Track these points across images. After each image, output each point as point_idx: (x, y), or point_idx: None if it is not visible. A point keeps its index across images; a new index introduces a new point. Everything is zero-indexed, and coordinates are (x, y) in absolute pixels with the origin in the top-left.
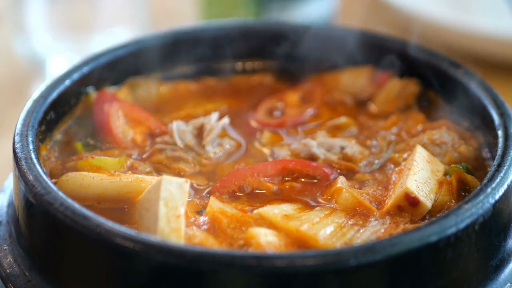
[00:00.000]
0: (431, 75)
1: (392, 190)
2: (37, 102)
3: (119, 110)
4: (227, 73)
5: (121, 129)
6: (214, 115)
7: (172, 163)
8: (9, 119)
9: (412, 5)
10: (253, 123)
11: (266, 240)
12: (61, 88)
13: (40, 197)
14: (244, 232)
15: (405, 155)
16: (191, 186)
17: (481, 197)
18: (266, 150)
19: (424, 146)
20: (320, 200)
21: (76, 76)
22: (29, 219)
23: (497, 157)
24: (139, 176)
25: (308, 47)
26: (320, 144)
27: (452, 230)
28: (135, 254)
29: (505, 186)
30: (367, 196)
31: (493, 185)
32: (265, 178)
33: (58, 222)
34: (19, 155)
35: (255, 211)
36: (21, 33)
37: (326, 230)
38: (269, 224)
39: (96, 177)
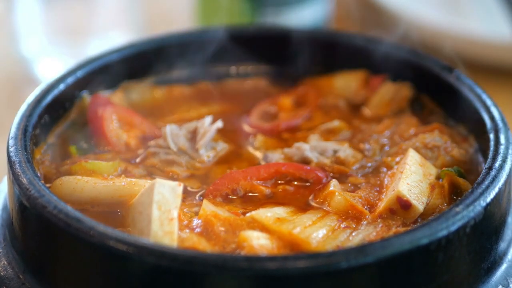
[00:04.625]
0: (424, 79)
1: (384, 194)
2: (31, 106)
3: (113, 113)
4: (221, 77)
5: (115, 132)
6: (208, 119)
7: (166, 166)
8: (4, 123)
9: (406, 9)
10: (247, 127)
11: (259, 243)
12: (55, 92)
13: (34, 200)
14: (237, 235)
15: (397, 159)
16: (184, 189)
17: (472, 200)
18: (259, 154)
19: (417, 149)
20: (313, 203)
21: (70, 80)
22: (23, 222)
23: (488, 160)
24: (132, 179)
25: (302, 51)
26: (313, 147)
27: (443, 233)
28: (128, 256)
29: (496, 189)
30: (360, 200)
31: (484, 188)
32: (258, 181)
33: (52, 225)
34: (13, 158)
35: (248, 214)
36: (17, 37)
37: (319, 233)
38: (262, 227)
39: (90, 181)
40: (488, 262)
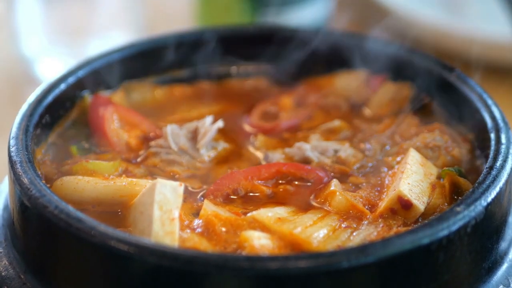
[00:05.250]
0: (425, 79)
1: (385, 193)
2: (32, 106)
3: (114, 113)
4: (221, 77)
5: (116, 132)
6: (208, 119)
7: (166, 166)
8: (4, 123)
9: (407, 8)
10: (247, 127)
11: (260, 243)
12: (56, 92)
13: (35, 200)
14: (238, 235)
15: (398, 158)
16: (185, 189)
17: (473, 199)
18: (260, 154)
19: (418, 149)
20: (314, 203)
21: (71, 80)
22: (24, 222)
23: (489, 160)
24: (133, 179)
25: (303, 50)
26: (313, 147)
27: (444, 232)
28: (129, 257)
29: (497, 189)
30: (361, 199)
31: (485, 188)
32: (259, 181)
33: (53, 225)
34: (14, 158)
35: (249, 214)
36: (18, 37)
37: (320, 233)
38: (263, 227)
39: (91, 181)
40: (489, 262)
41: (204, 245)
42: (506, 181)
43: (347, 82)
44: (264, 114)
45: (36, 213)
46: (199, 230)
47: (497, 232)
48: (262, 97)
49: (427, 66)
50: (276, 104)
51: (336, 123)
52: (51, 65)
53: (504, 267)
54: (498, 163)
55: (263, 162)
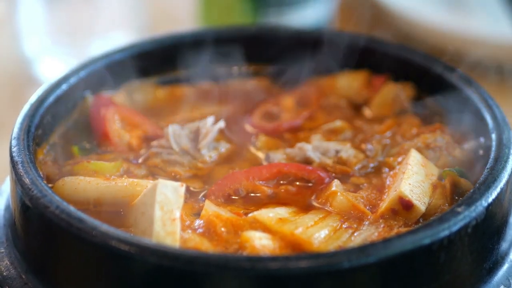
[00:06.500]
0: (426, 79)
1: (386, 194)
2: (34, 106)
3: (115, 114)
4: (223, 77)
5: (117, 133)
6: (210, 119)
7: (168, 166)
8: (6, 123)
9: (409, 9)
10: (249, 127)
11: (261, 243)
12: (58, 92)
13: (36, 200)
14: (239, 235)
15: (399, 159)
16: (187, 189)
17: (474, 200)
18: (261, 154)
19: (419, 149)
20: (315, 204)
21: (73, 80)
22: (26, 222)
23: (490, 160)
24: (135, 180)
25: (304, 51)
26: (315, 147)
27: (445, 233)
28: (130, 257)
29: (498, 189)
30: (362, 200)
31: (486, 188)
32: (260, 182)
33: (54, 225)
34: (16, 158)
35: (250, 215)
36: (20, 37)
37: (321, 233)
38: (264, 227)
39: (92, 181)
40: (490, 262)
41: (205, 246)
42: (507, 182)
43: (349, 82)
44: (266, 115)
45: (37, 213)
46: (200, 230)
47: (498, 232)
48: (263, 97)
49: (429, 66)
50: (278, 104)
51: (338, 123)
52: (53, 65)
53: (505, 267)
54: (499, 164)
55: (265, 163)
